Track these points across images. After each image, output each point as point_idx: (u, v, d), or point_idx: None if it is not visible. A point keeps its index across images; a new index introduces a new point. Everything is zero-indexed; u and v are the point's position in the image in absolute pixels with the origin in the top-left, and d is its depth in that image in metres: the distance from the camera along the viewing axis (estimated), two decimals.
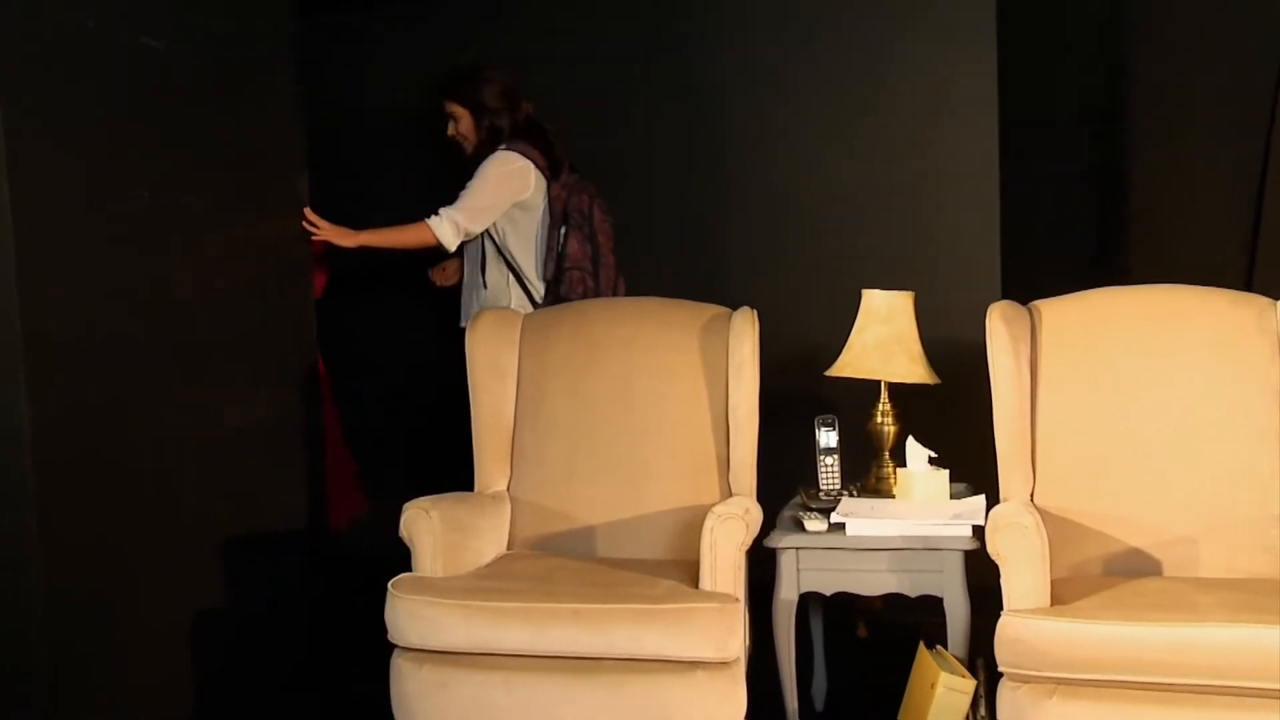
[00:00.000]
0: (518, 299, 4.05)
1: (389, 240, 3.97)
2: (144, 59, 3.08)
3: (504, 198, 3.99)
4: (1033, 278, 4.16)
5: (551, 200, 4.01)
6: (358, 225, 3.91)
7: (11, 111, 2.66)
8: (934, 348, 3.58)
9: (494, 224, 4.03)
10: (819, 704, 3.56)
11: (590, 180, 4.10)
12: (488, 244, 4.07)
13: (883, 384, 3.50)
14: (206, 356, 3.29)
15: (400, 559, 3.15)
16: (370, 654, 3.19)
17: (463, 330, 3.98)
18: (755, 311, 3.45)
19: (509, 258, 4.05)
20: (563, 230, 4.00)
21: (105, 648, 2.92)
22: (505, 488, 3.50)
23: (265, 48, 3.60)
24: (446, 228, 3.94)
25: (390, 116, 4.71)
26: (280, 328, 3.65)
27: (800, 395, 3.83)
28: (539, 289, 4.03)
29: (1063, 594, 2.85)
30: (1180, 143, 4.17)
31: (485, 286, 4.08)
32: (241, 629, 3.40)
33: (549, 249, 4.01)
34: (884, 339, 3.47)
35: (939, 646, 3.11)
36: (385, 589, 3.03)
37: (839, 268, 4.25)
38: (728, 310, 3.51)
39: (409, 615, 2.97)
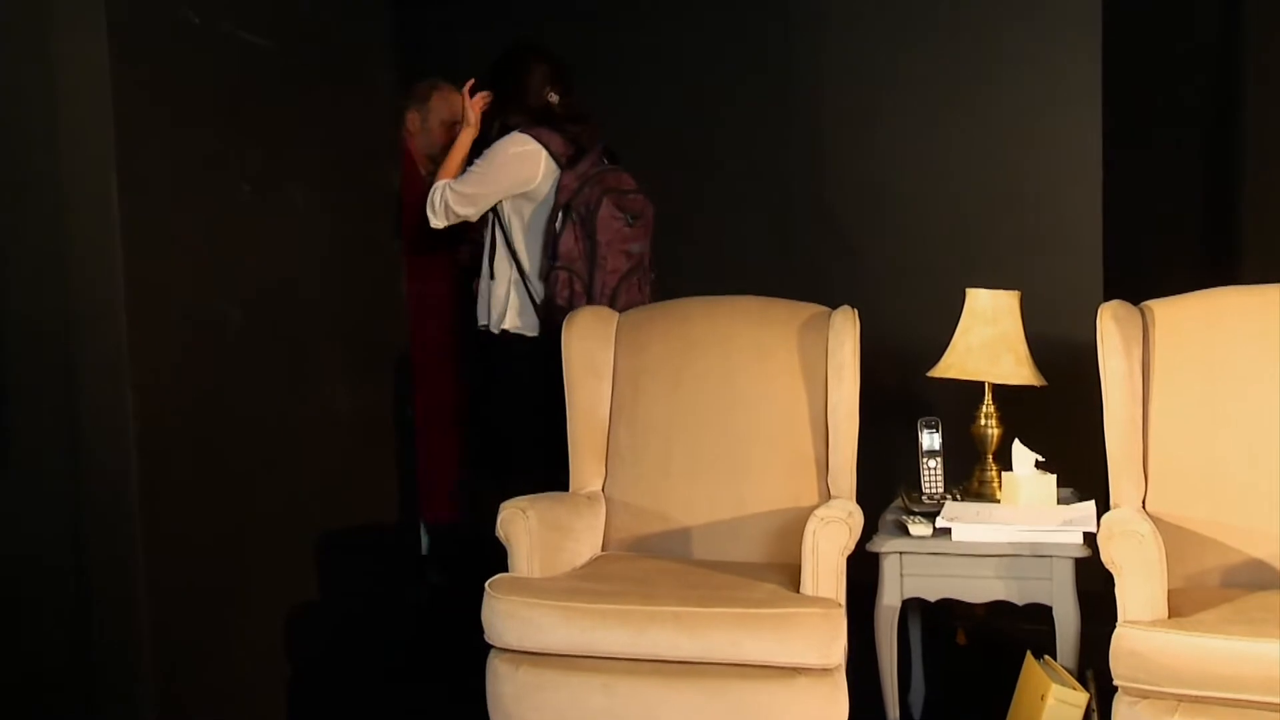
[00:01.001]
0: (515, 300, 3.82)
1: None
2: (245, 53, 3.08)
3: (503, 183, 3.76)
4: (1139, 277, 4.05)
5: (560, 190, 3.75)
6: None
7: (121, 106, 2.67)
8: (1037, 348, 3.48)
9: (501, 214, 3.82)
10: (916, 712, 3.48)
11: (686, 182, 3.99)
12: (497, 234, 3.85)
13: (987, 385, 3.42)
14: (306, 347, 3.30)
15: (497, 558, 3.13)
16: (468, 652, 3.17)
17: (482, 330, 3.90)
18: (855, 310, 3.38)
19: (514, 252, 3.83)
20: (559, 223, 3.74)
21: (207, 639, 2.94)
22: (600, 488, 3.46)
23: (364, 41, 3.60)
24: (436, 200, 3.77)
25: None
26: (375, 318, 3.65)
27: (900, 396, 3.76)
28: (539, 290, 3.79)
29: (1180, 606, 2.75)
30: None
31: (493, 278, 3.85)
32: (339, 623, 3.40)
33: (544, 243, 3.78)
34: (989, 339, 3.39)
35: (1047, 657, 3.02)
36: (481, 588, 3.00)
37: (941, 265, 4.17)
38: (827, 309, 3.44)
39: (507, 616, 2.93)
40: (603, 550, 3.38)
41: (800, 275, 4.22)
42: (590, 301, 3.70)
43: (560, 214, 3.72)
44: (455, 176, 3.83)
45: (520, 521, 3.10)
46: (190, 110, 2.90)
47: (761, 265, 4.31)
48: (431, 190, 3.79)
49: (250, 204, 3.09)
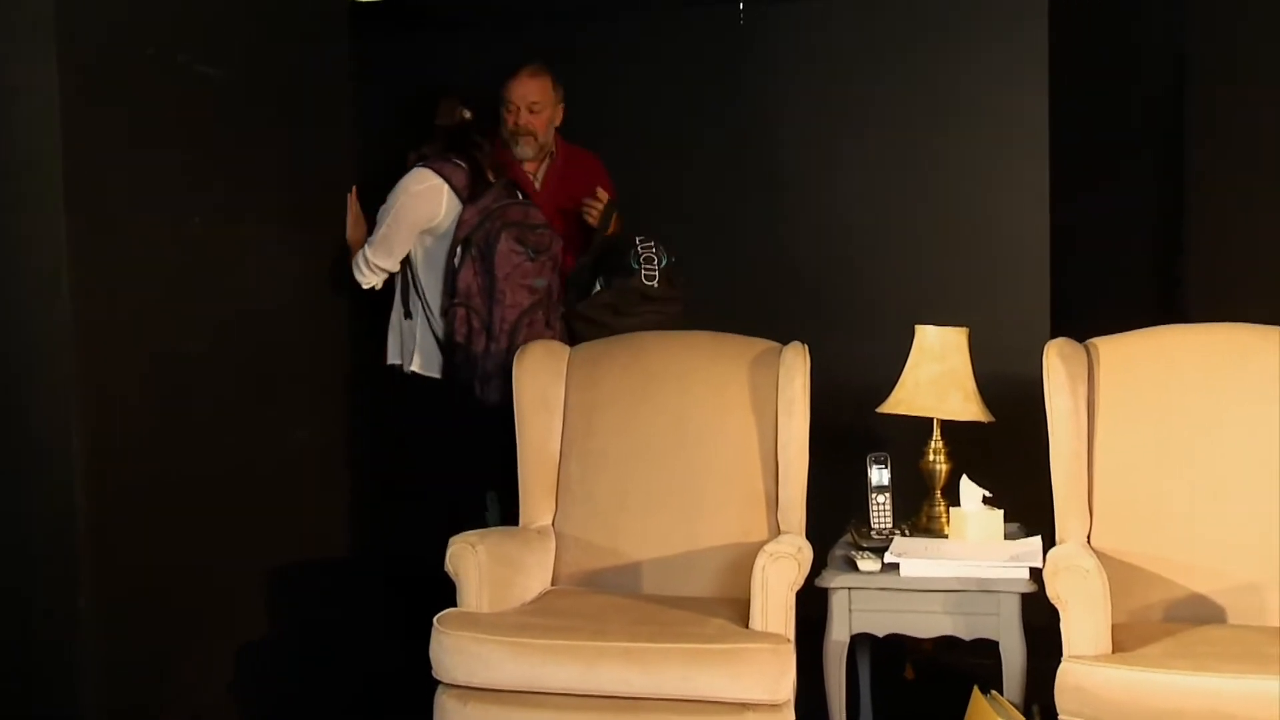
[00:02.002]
0: (422, 339, 3.77)
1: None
2: (202, 85, 3.08)
3: (407, 222, 3.68)
4: (1086, 316, 4.11)
5: (459, 224, 3.68)
6: None
7: (73, 140, 2.67)
8: (985, 384, 3.52)
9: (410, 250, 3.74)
10: None
11: (647, 209, 3.97)
12: (409, 271, 3.80)
13: (936, 422, 3.45)
14: (260, 379, 3.29)
15: (446, 593, 3.12)
16: (415, 689, 3.15)
17: (391, 368, 3.85)
18: (806, 346, 3.41)
19: (419, 290, 3.77)
20: (457, 258, 3.68)
21: (157, 675, 2.91)
22: (551, 522, 3.45)
23: (321, 73, 3.61)
24: (359, 262, 3.69)
25: None
26: (331, 350, 3.64)
27: (851, 432, 3.77)
28: (440, 326, 3.74)
29: (1124, 640, 2.78)
30: (1240, 179, 4.11)
31: (408, 316, 3.81)
32: (291, 657, 3.37)
33: (444, 280, 3.71)
34: (938, 376, 3.42)
35: (994, 691, 3.04)
36: (429, 623, 2.99)
37: (892, 303, 4.19)
38: (779, 345, 3.47)
39: (455, 652, 2.92)
40: (553, 585, 3.37)
41: (754, 312, 4.23)
42: (489, 339, 3.66)
43: (459, 249, 3.67)
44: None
45: (470, 556, 3.09)
46: (145, 141, 2.90)
47: (716, 301, 4.32)
48: (354, 258, 3.73)
49: (205, 235, 3.08)
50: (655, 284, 3.77)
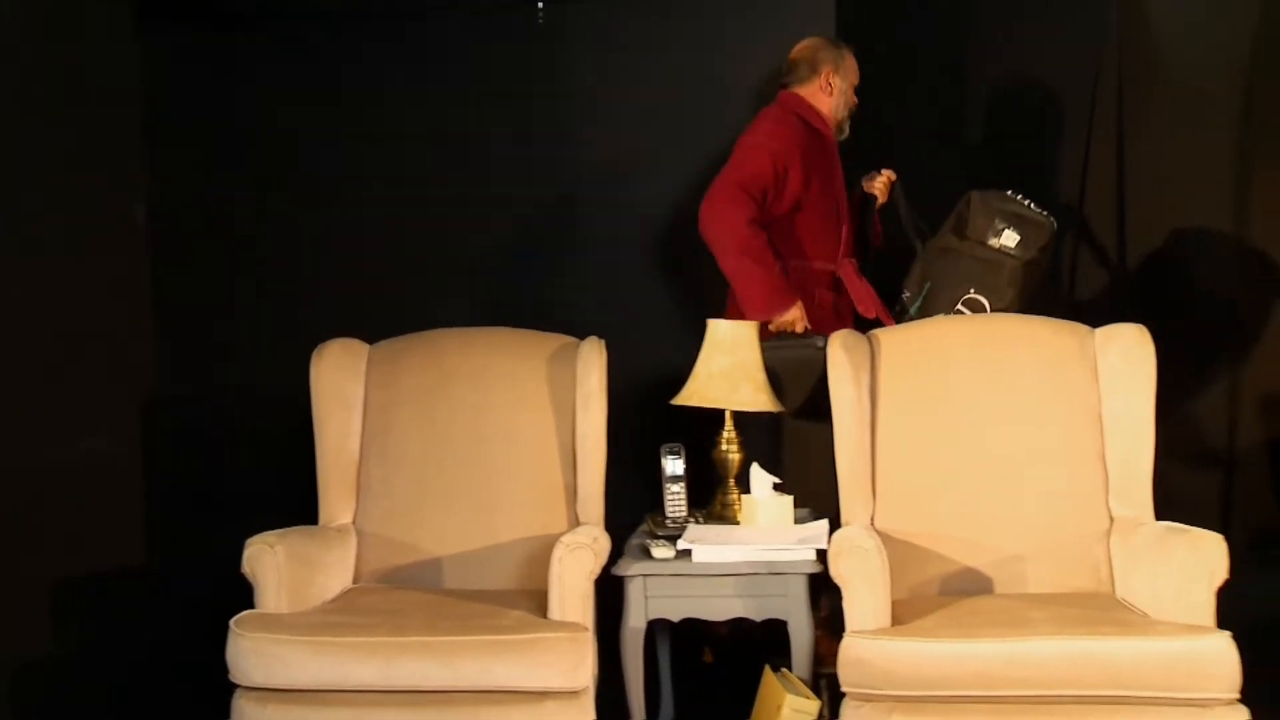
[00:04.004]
0: None
1: None
2: None
3: None
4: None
5: None
6: (198, 250, 3.74)
7: None
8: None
9: None
10: None
11: (449, 209, 3.97)
12: None
13: (727, 412, 3.57)
14: (35, 390, 3.19)
15: (242, 596, 3.08)
16: (210, 696, 3.10)
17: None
18: (603, 341, 3.48)
19: None
20: None
21: None
22: (351, 520, 3.45)
23: (109, 69, 3.51)
24: None
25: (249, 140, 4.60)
26: (114, 360, 3.55)
27: (649, 424, 3.85)
28: None
29: (903, 614, 2.93)
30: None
31: None
32: (72, 674, 3.28)
33: None
34: (728, 368, 3.53)
35: (784, 669, 3.16)
36: (226, 628, 2.95)
37: (687, 298, 4.30)
38: (576, 340, 3.54)
39: (253, 654, 2.90)
40: (354, 583, 3.37)
41: (552, 308, 4.29)
42: None
43: None
44: None
45: (268, 557, 3.07)
46: None
47: (514, 298, 4.37)
48: None
49: None
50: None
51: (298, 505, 3.53)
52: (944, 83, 4.85)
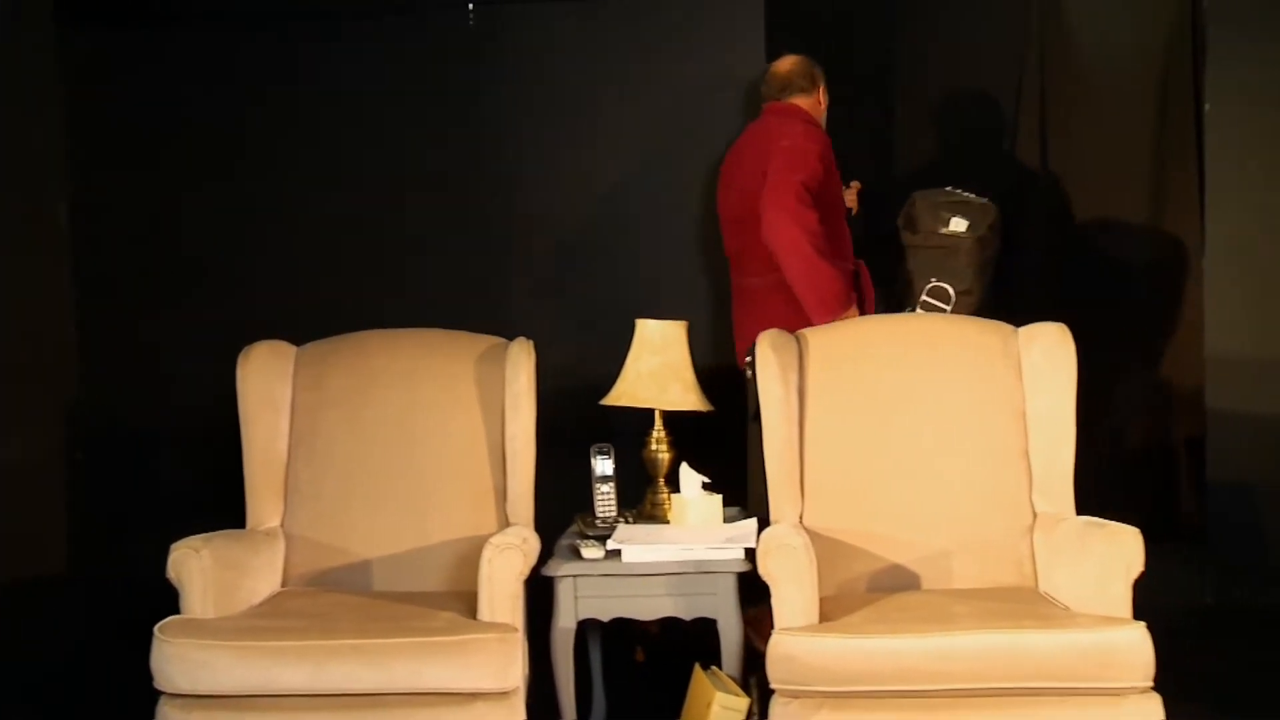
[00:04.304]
0: None
1: None
2: None
3: None
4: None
5: None
6: (121, 250, 3.70)
7: None
8: (707, 376, 3.68)
9: None
10: None
11: (378, 212, 3.96)
12: None
13: (657, 412, 3.58)
14: None
15: (169, 602, 3.05)
16: (134, 704, 3.07)
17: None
18: (531, 342, 3.49)
19: None
20: None
21: None
22: (279, 523, 3.42)
23: (25, 74, 3.46)
24: None
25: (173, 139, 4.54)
26: (34, 363, 3.49)
27: (579, 425, 3.87)
28: None
29: (831, 611, 2.96)
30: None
31: None
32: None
33: None
34: (657, 368, 3.55)
35: (714, 667, 3.19)
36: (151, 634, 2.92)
37: (617, 298, 4.31)
38: (505, 341, 3.53)
39: (178, 660, 2.87)
40: (283, 587, 3.34)
41: (482, 309, 4.29)
42: None
43: None
44: None
45: (193, 561, 3.04)
46: None
47: (444, 299, 4.37)
48: None
49: None
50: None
51: (225, 509, 3.50)
52: (875, 90, 4.92)
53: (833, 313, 3.75)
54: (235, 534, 3.31)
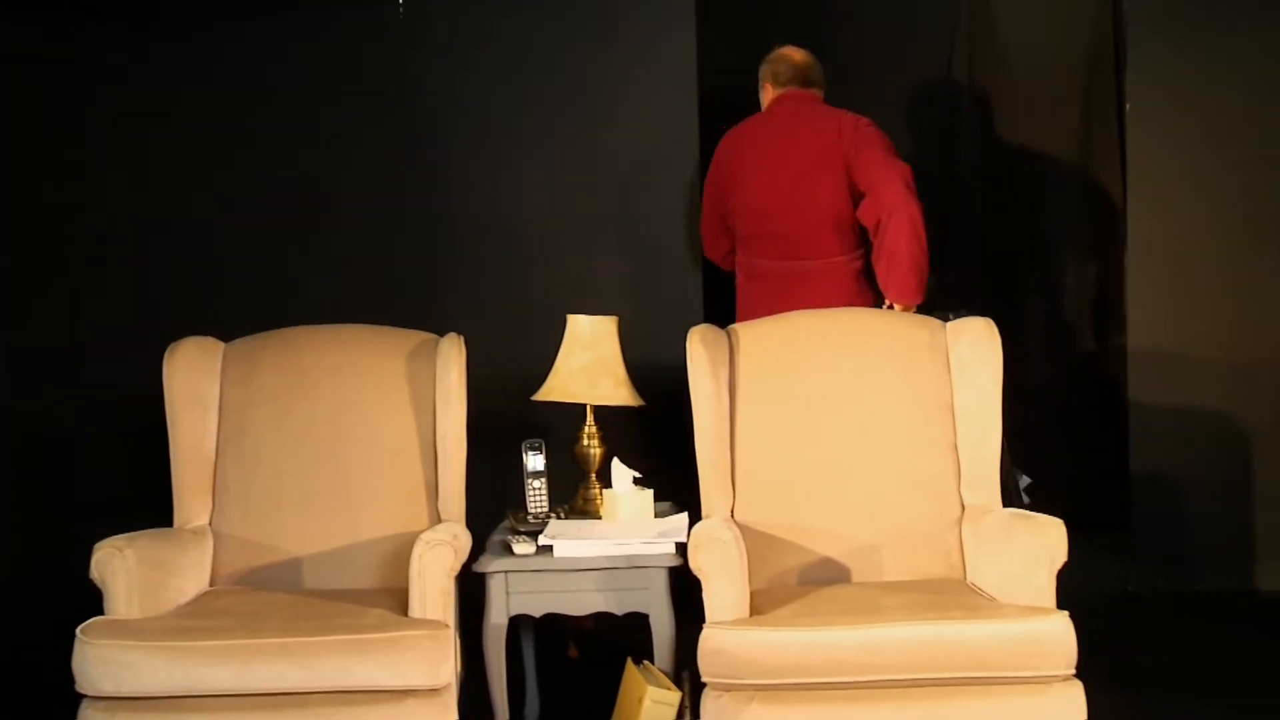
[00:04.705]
0: None
1: None
2: None
3: None
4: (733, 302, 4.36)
5: None
6: (46, 247, 3.61)
7: None
8: (639, 371, 3.69)
9: None
10: None
11: (308, 209, 3.93)
12: None
13: (589, 407, 3.59)
14: None
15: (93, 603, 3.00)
16: (55, 707, 3.02)
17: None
18: (462, 338, 3.47)
19: None
20: None
21: None
22: (207, 522, 3.38)
23: None
24: None
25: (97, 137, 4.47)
26: None
27: (511, 420, 3.86)
28: None
29: (761, 604, 2.98)
30: None
31: None
32: None
33: None
34: (589, 363, 3.56)
35: (646, 661, 3.20)
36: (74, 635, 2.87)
37: (549, 294, 4.31)
38: (435, 336, 3.52)
39: (101, 662, 2.82)
40: (211, 586, 3.31)
41: (414, 305, 4.27)
42: None
43: None
44: None
45: (117, 561, 3.00)
46: None
47: (376, 295, 4.34)
48: None
49: None
50: None
51: (153, 508, 3.45)
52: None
53: (921, 294, 3.88)
54: (161, 533, 3.27)
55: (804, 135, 4.03)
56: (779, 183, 4.05)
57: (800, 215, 3.99)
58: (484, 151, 4.50)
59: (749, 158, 4.13)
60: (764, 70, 4.25)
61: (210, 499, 3.40)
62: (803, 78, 4.17)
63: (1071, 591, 3.00)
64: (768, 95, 4.23)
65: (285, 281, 4.38)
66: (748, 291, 4.18)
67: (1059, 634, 2.77)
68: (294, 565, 3.34)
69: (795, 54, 4.19)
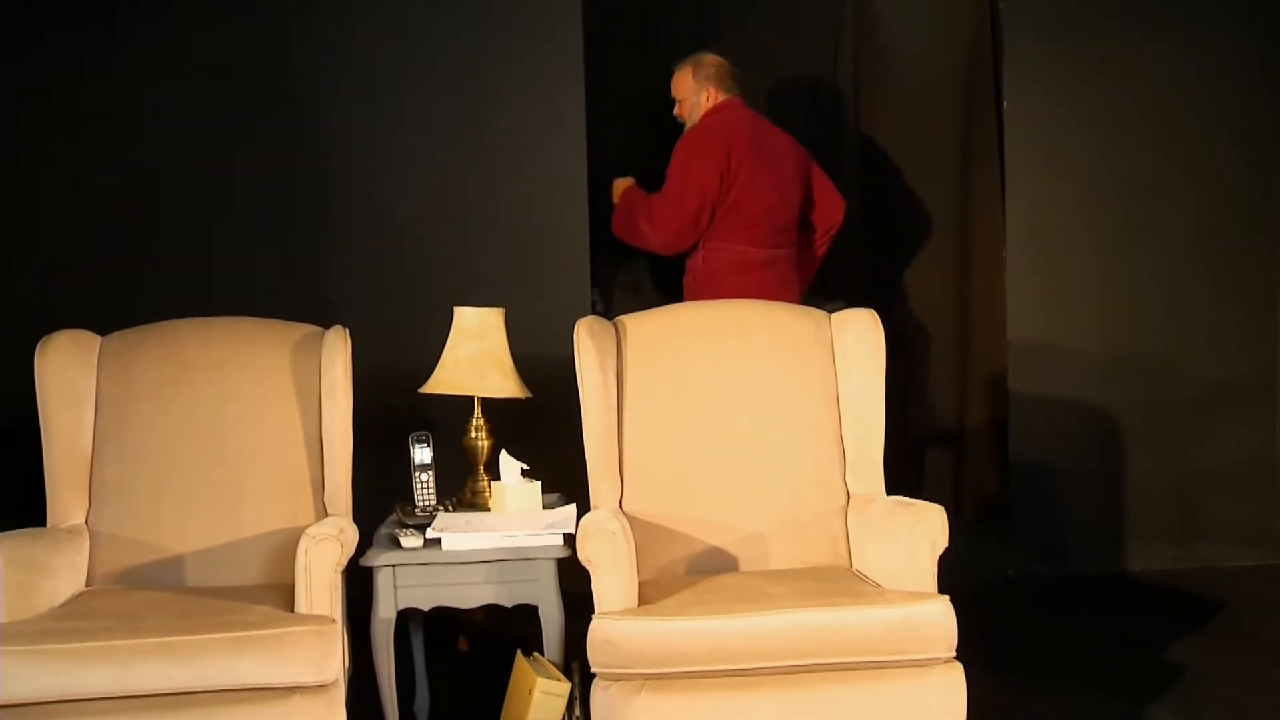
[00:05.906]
0: None
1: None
2: None
3: None
4: (620, 293, 4.39)
5: None
6: None
7: None
8: (527, 363, 3.68)
9: None
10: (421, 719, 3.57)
11: (189, 200, 3.86)
12: None
13: (476, 399, 3.57)
14: None
15: None
16: None
17: None
18: (347, 330, 3.43)
19: None
20: None
21: None
22: (83, 521, 3.29)
23: None
24: None
25: None
26: None
27: (398, 413, 3.83)
28: None
29: (650, 595, 3.00)
30: None
31: None
32: None
33: None
34: (475, 355, 3.54)
35: (536, 653, 3.20)
36: None
37: (435, 286, 4.28)
38: (321, 329, 3.47)
39: None
40: (87, 587, 3.22)
41: (300, 298, 4.21)
42: None
43: None
44: None
45: None
46: None
47: (261, 288, 4.27)
48: None
49: None
50: None
51: (26, 508, 3.35)
52: None
53: None
54: (34, 533, 3.18)
55: (782, 141, 4.58)
56: (780, 178, 4.51)
57: (791, 210, 4.56)
58: (368, 142, 4.46)
59: (749, 157, 4.44)
60: (701, 73, 4.54)
61: (86, 497, 3.31)
62: (739, 87, 4.58)
63: (953, 577, 3.07)
64: (709, 98, 4.53)
65: (165, 275, 4.29)
66: (714, 279, 4.45)
67: (940, 618, 2.83)
68: (176, 563, 3.27)
69: (726, 63, 4.55)
